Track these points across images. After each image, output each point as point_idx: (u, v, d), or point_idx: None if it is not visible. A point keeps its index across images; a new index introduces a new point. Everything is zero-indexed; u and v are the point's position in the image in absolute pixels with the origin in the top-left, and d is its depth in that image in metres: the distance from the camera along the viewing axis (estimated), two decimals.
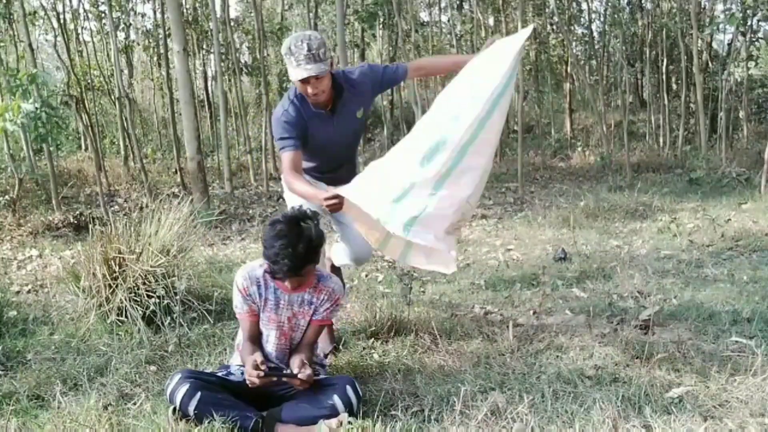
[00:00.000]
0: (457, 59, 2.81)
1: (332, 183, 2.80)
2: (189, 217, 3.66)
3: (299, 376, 2.21)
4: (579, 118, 14.53)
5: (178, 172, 8.55)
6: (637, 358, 2.65)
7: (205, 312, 3.35)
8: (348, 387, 2.23)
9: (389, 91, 13.51)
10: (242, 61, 10.96)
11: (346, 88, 2.73)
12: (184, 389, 2.19)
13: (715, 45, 13.18)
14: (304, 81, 2.55)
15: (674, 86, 12.96)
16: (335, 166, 2.91)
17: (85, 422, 2.20)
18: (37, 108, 5.12)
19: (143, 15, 11.92)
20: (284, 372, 2.28)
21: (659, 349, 2.71)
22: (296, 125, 2.67)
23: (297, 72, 2.52)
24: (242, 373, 2.32)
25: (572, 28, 13.02)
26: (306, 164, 2.83)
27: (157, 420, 2.20)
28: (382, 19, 9.26)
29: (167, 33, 8.87)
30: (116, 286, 3.27)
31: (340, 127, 2.78)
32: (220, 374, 2.39)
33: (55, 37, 10.20)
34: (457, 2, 13.29)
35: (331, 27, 12.06)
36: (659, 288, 3.69)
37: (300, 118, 2.67)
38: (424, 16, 15.08)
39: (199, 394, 2.18)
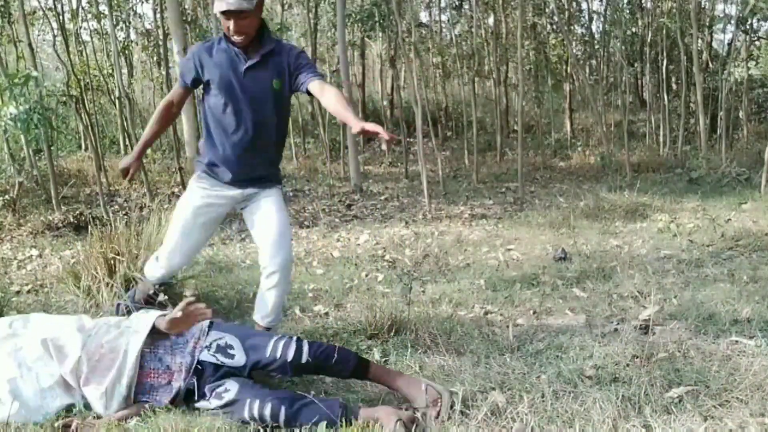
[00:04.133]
0: (345, 115, 2.54)
1: (239, 178, 2.75)
2: None
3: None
4: (579, 118, 14.53)
5: (178, 172, 8.55)
6: (637, 358, 2.64)
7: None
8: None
9: (389, 90, 13.53)
10: None
11: (274, 47, 2.67)
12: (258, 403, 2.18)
13: (715, 45, 13.19)
14: (227, 15, 2.51)
15: (674, 86, 12.97)
16: (247, 142, 2.71)
17: (86, 422, 2.20)
18: (30, 109, 5.11)
19: (142, 15, 11.93)
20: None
21: (659, 349, 2.71)
22: (193, 61, 2.69)
23: (219, 4, 2.47)
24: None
25: (572, 27, 13.02)
26: (214, 136, 2.74)
27: (158, 421, 2.20)
28: (379, 20, 9.23)
29: (167, 33, 8.86)
30: (116, 287, 3.27)
31: (251, 81, 2.66)
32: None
33: (54, 37, 10.19)
34: (457, 2, 13.29)
35: (330, 27, 12.05)
36: (659, 288, 3.69)
37: (209, 49, 2.67)
38: (423, 16, 15.09)
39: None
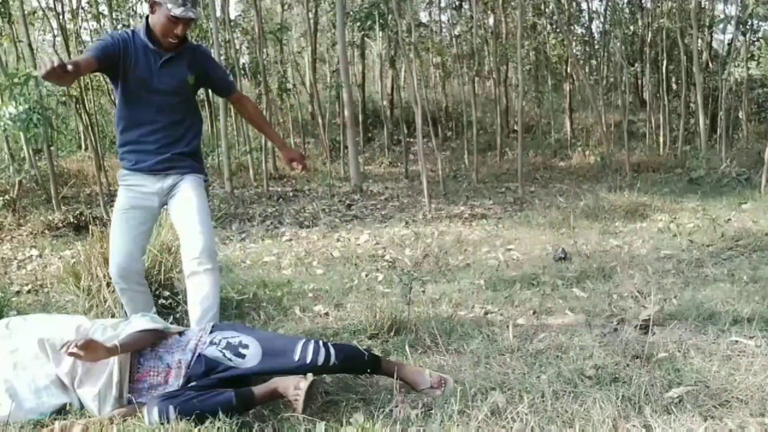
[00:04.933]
0: (269, 133, 3.17)
1: (158, 164, 2.78)
2: None
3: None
4: (579, 118, 14.53)
5: None
6: (637, 358, 2.64)
7: None
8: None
9: (389, 90, 13.53)
10: (242, 62, 10.96)
11: (186, 44, 2.79)
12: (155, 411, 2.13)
13: (715, 45, 13.20)
14: (177, 21, 2.61)
15: (674, 86, 12.97)
16: (162, 134, 2.78)
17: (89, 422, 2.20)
18: (30, 109, 5.11)
19: (142, 15, 11.89)
20: None
21: (659, 349, 2.71)
22: (115, 42, 2.68)
23: (179, 10, 2.57)
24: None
25: (572, 27, 13.03)
26: (131, 123, 2.78)
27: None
28: (378, 20, 9.24)
29: None
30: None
31: (167, 75, 2.74)
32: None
33: (54, 37, 10.19)
34: (457, 2, 13.29)
35: (330, 27, 12.05)
36: (659, 288, 3.69)
37: (125, 41, 2.69)
38: (423, 16, 15.09)
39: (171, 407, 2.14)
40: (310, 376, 2.25)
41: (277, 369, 2.28)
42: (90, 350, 2.10)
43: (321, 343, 2.33)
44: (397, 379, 2.40)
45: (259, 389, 2.25)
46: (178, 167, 2.81)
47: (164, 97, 2.76)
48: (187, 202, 2.78)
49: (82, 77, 9.49)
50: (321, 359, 2.27)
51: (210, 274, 2.69)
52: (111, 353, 2.18)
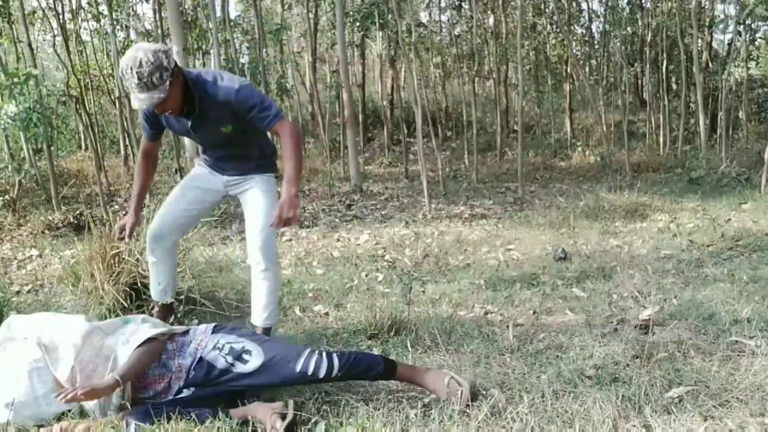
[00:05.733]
0: (286, 165, 2.56)
1: (223, 169, 2.86)
2: None
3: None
4: (579, 118, 14.53)
5: (178, 172, 8.54)
6: (637, 358, 2.65)
7: (206, 311, 3.36)
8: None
9: (389, 90, 13.53)
10: (242, 62, 10.95)
11: (204, 102, 2.57)
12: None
13: (715, 45, 13.20)
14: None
15: (674, 86, 12.97)
16: (221, 155, 2.84)
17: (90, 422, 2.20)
18: (30, 108, 5.11)
19: (141, 16, 11.92)
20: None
21: (659, 349, 2.71)
22: (148, 116, 2.73)
23: (135, 104, 2.41)
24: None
25: (572, 27, 13.03)
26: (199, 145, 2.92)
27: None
28: (378, 20, 9.24)
29: (166, 33, 8.86)
30: (116, 286, 3.27)
31: (202, 131, 2.70)
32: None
33: (54, 37, 10.19)
34: (457, 2, 13.29)
35: (330, 27, 12.05)
36: (659, 288, 3.69)
37: (151, 112, 2.69)
38: (423, 16, 15.09)
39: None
40: (290, 414, 2.17)
41: (278, 379, 2.26)
42: (91, 395, 2.10)
43: (325, 354, 2.28)
44: (417, 384, 2.38)
45: (235, 412, 2.23)
46: (242, 171, 2.86)
47: (206, 141, 2.81)
48: (253, 203, 2.79)
49: (82, 78, 9.50)
50: (323, 372, 2.24)
51: (265, 274, 2.76)
52: (113, 389, 2.16)
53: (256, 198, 2.79)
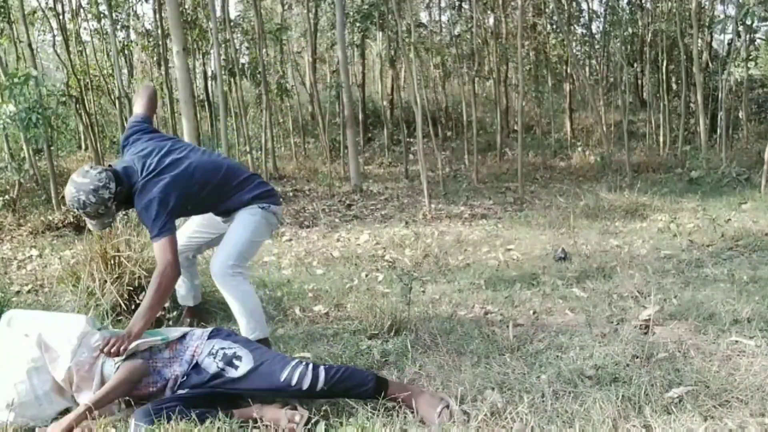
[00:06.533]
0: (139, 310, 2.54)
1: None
2: None
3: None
4: (579, 118, 14.53)
5: None
6: (637, 358, 2.65)
7: (205, 311, 3.36)
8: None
9: (389, 90, 13.53)
10: (242, 62, 10.96)
11: (135, 199, 2.63)
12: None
13: (715, 45, 13.20)
14: None
15: (674, 86, 12.97)
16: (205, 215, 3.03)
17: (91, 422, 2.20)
18: (30, 108, 5.10)
19: (141, 16, 11.93)
20: None
21: (659, 349, 2.71)
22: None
23: (87, 222, 2.61)
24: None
25: (572, 27, 13.02)
26: None
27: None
28: (378, 20, 9.24)
29: (166, 33, 8.87)
30: (116, 286, 3.27)
31: None
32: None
33: (54, 37, 10.19)
34: (457, 2, 13.29)
35: (330, 27, 12.05)
36: (659, 288, 3.69)
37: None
38: (423, 16, 15.09)
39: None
40: (305, 413, 2.20)
41: (264, 387, 2.28)
42: (64, 428, 2.12)
43: (311, 367, 2.26)
44: (409, 407, 2.28)
45: (239, 412, 2.26)
46: (230, 214, 2.93)
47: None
48: (229, 230, 2.88)
49: (82, 78, 9.50)
50: (306, 384, 2.22)
51: (224, 291, 2.81)
52: (84, 418, 2.15)
53: (232, 226, 2.86)
